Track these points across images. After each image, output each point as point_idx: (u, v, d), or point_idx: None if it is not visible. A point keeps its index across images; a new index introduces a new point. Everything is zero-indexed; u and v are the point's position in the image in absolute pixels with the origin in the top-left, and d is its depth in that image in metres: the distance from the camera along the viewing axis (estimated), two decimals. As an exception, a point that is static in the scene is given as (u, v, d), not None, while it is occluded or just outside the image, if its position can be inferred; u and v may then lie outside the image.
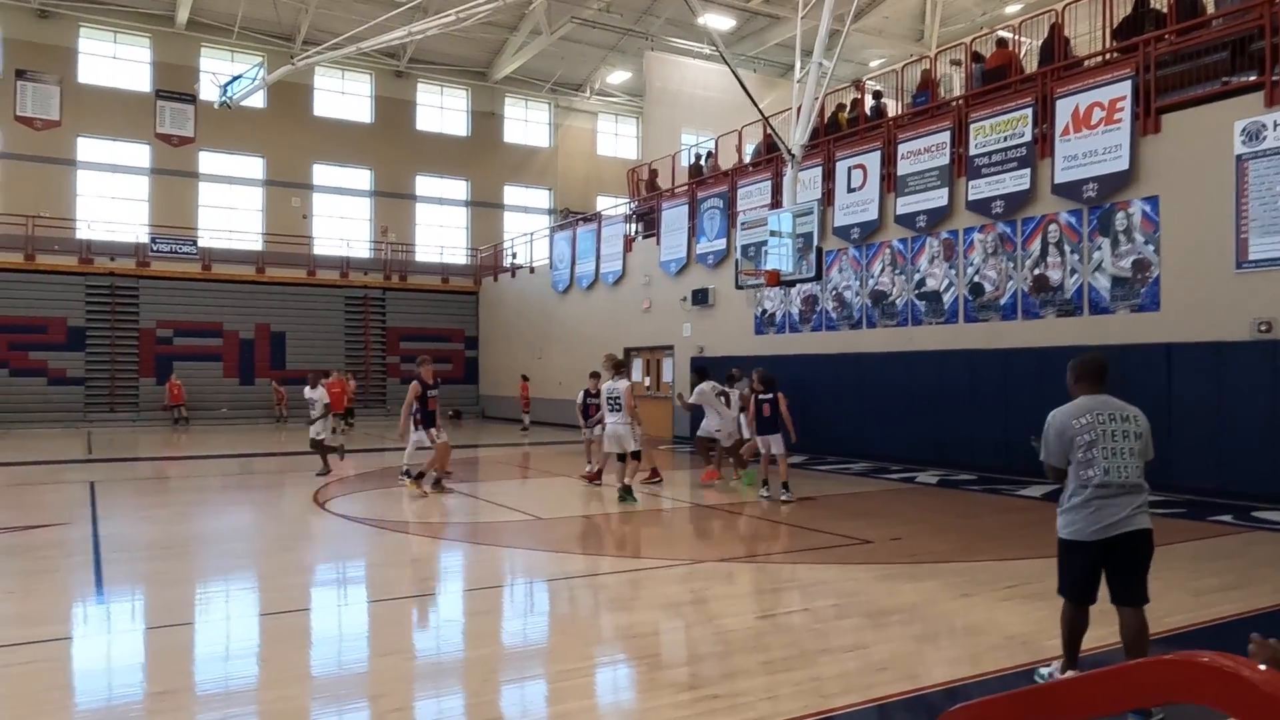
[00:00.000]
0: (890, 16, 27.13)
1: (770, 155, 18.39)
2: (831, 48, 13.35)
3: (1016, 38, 15.51)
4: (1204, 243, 11.34)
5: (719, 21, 26.80)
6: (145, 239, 27.45)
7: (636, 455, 11.12)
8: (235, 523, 10.22)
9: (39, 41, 27.13)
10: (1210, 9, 12.42)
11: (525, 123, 34.94)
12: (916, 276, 15.34)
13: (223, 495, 12.57)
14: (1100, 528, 4.20)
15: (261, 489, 13.45)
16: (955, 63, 17.96)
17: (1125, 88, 12.19)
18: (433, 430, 11.79)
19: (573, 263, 25.24)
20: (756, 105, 13.98)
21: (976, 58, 15.53)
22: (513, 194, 34.70)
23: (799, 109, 13.29)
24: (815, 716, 4.15)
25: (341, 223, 31.58)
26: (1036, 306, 13.44)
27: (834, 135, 17.33)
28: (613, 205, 27.23)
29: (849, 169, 16.57)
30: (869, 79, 19.65)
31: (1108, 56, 13.24)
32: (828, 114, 17.79)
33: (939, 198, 14.84)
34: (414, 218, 32.91)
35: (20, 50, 26.88)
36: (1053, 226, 13.21)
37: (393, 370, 30.42)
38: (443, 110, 33.42)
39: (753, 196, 18.59)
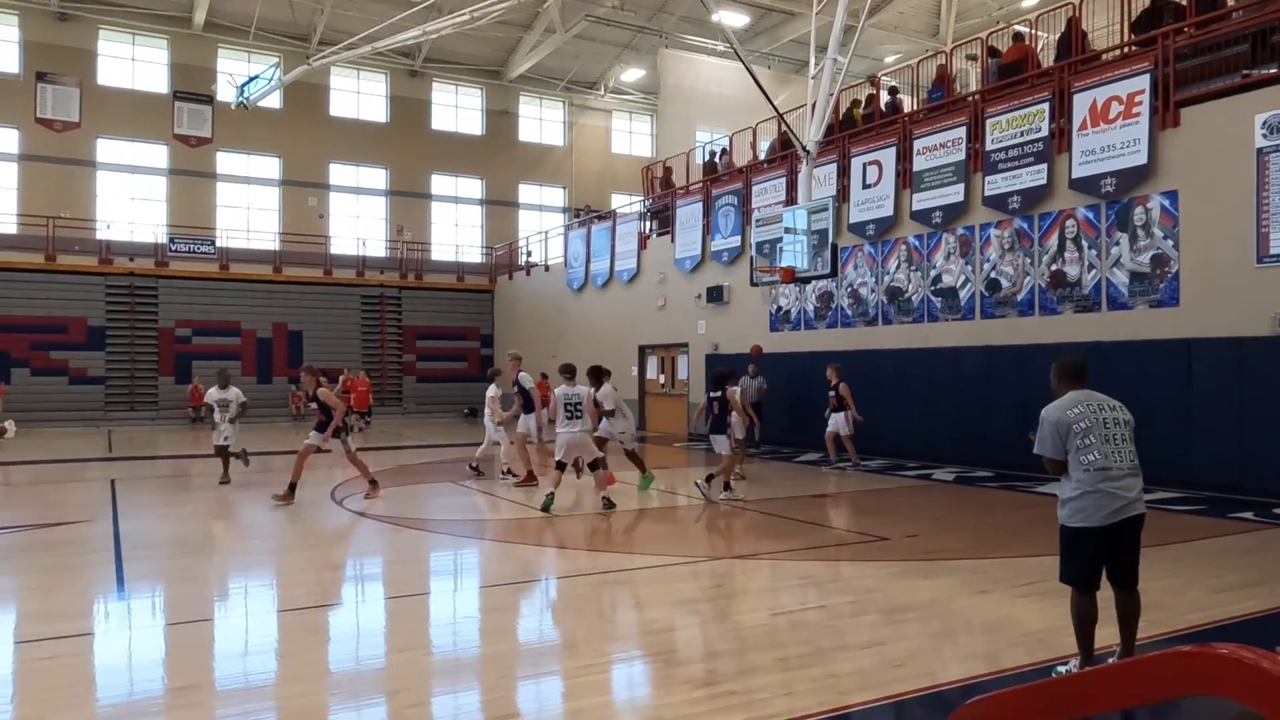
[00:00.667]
0: (905, 12, 26.98)
1: (785, 152, 18.34)
2: (846, 43, 13.30)
3: (1033, 32, 15.39)
4: (1224, 237, 11.23)
5: (733, 18, 26.74)
6: (164, 239, 27.67)
7: (599, 464, 10.50)
8: (253, 520, 10.29)
9: (59, 44, 27.40)
10: (1230, 1, 12.29)
11: (540, 121, 34.98)
12: (932, 273, 15.26)
13: (241, 493, 12.65)
14: (1110, 512, 4.36)
15: (279, 486, 13.51)
16: (971, 58, 17.85)
17: (1144, 81, 12.09)
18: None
19: (587, 261, 25.26)
20: (771, 102, 13.95)
21: (993, 52, 15.43)
22: (527, 192, 34.77)
23: (814, 105, 13.24)
24: (831, 713, 4.15)
25: (357, 222, 31.74)
26: (1054, 302, 13.35)
27: (849, 131, 17.27)
28: (627, 203, 27.23)
29: (864, 165, 16.50)
30: (884, 75, 19.55)
31: (1126, 50, 13.14)
32: (843, 110, 17.73)
33: (955, 193, 14.76)
34: (429, 216, 33.03)
35: (41, 53, 27.15)
36: (1070, 222, 13.12)
37: (409, 369, 30.56)
38: (457, 109, 33.51)
39: (767, 193, 18.54)
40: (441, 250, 32.86)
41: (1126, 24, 13.25)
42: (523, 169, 34.43)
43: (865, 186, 16.45)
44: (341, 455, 11.21)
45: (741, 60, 14.14)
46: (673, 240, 21.69)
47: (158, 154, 28.89)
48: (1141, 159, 12.08)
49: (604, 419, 11.82)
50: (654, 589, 6.83)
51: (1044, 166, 13.36)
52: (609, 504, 10.19)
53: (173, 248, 27.42)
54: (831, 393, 14.42)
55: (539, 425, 12.48)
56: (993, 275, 14.27)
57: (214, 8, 27.77)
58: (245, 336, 28.28)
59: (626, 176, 33.53)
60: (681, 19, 27.82)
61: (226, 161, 29.84)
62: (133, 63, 28.67)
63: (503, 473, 12.97)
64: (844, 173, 16.95)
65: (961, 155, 14.67)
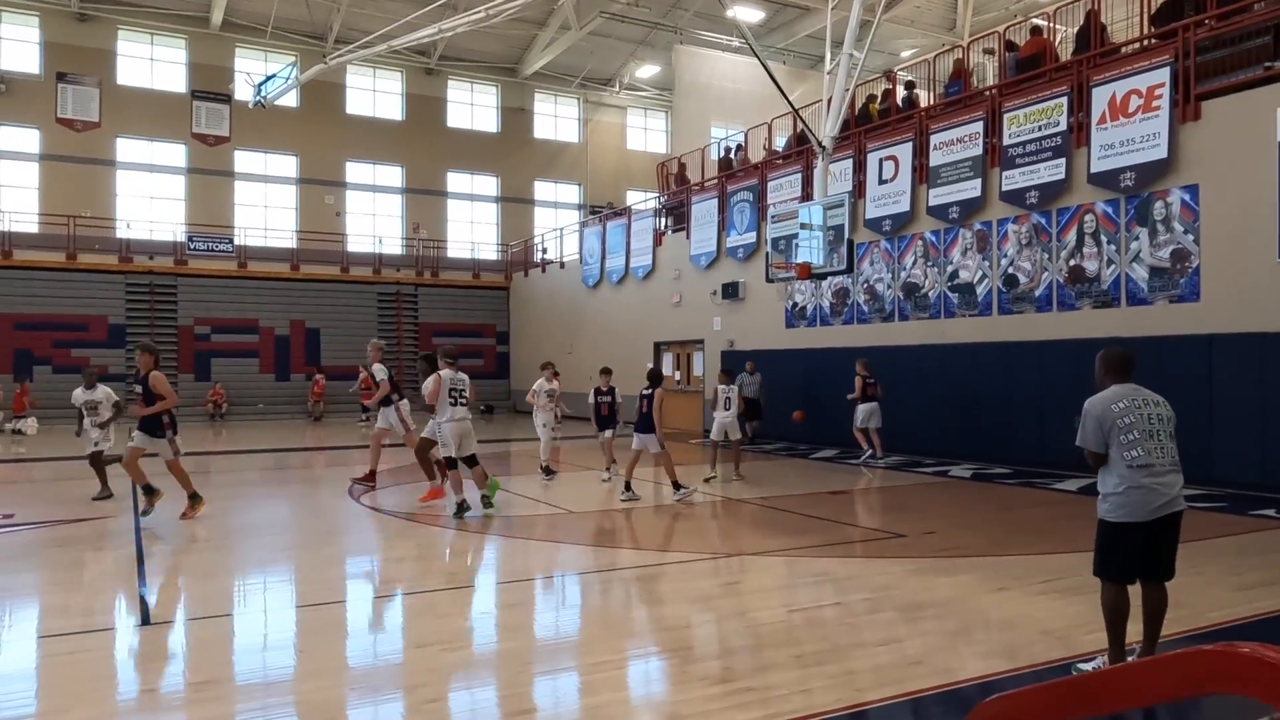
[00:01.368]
0: (922, 6, 26.81)
1: (800, 147, 18.28)
2: (862, 38, 13.24)
3: (1051, 25, 15.28)
4: (1245, 232, 11.11)
5: (748, 14, 26.66)
6: (183, 237, 27.90)
7: (450, 464, 9.62)
8: (272, 516, 10.37)
9: (79, 44, 27.65)
10: (1252, -8, 12.15)
11: (555, 118, 35.01)
12: (949, 268, 15.18)
13: (260, 489, 12.76)
14: (1156, 507, 4.37)
15: (297, 483, 13.63)
16: (988, 52, 17.72)
17: (1164, 74, 11.97)
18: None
19: (603, 257, 25.28)
20: (786, 97, 13.90)
21: (1010, 46, 15.32)
22: (543, 189, 34.81)
23: (829, 100, 13.19)
24: (848, 710, 4.14)
25: (374, 219, 31.89)
26: (1072, 298, 13.25)
27: (865, 127, 17.19)
28: (642, 199, 27.21)
29: (880, 160, 16.43)
30: (900, 69, 19.46)
31: (1146, 43, 13.01)
32: (859, 105, 17.65)
33: (972, 189, 14.67)
34: (445, 214, 33.13)
35: (61, 53, 27.41)
36: (1089, 217, 13.01)
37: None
38: (473, 107, 33.59)
39: (783, 189, 18.49)
40: (457, 248, 32.95)
41: (1146, 16, 13.13)
42: (538, 166, 34.47)
43: (881, 182, 16.38)
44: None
45: (757, 56, 14.11)
46: (688, 237, 21.66)
47: (176, 153, 29.12)
48: (1161, 153, 11.96)
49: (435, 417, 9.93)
50: (670, 585, 6.83)
51: (1062, 161, 13.26)
52: (486, 503, 9.62)
53: (191, 246, 27.64)
54: (872, 380, 14.56)
55: (400, 418, 11.62)
56: (1010, 271, 14.17)
57: (231, 7, 27.94)
58: (263, 334, 28.47)
59: (641, 173, 33.51)
60: (696, 15, 27.77)
61: (244, 160, 30.03)
62: (151, 63, 28.90)
63: (541, 469, 12.99)
64: (860, 168, 16.88)
65: (979, 150, 14.58)
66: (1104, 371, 4.66)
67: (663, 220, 23.69)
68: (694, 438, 19.59)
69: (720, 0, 15.24)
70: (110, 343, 26.50)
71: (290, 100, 27.54)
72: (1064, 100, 13.28)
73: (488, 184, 33.95)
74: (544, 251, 30.28)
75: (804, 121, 14.49)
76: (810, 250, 13.09)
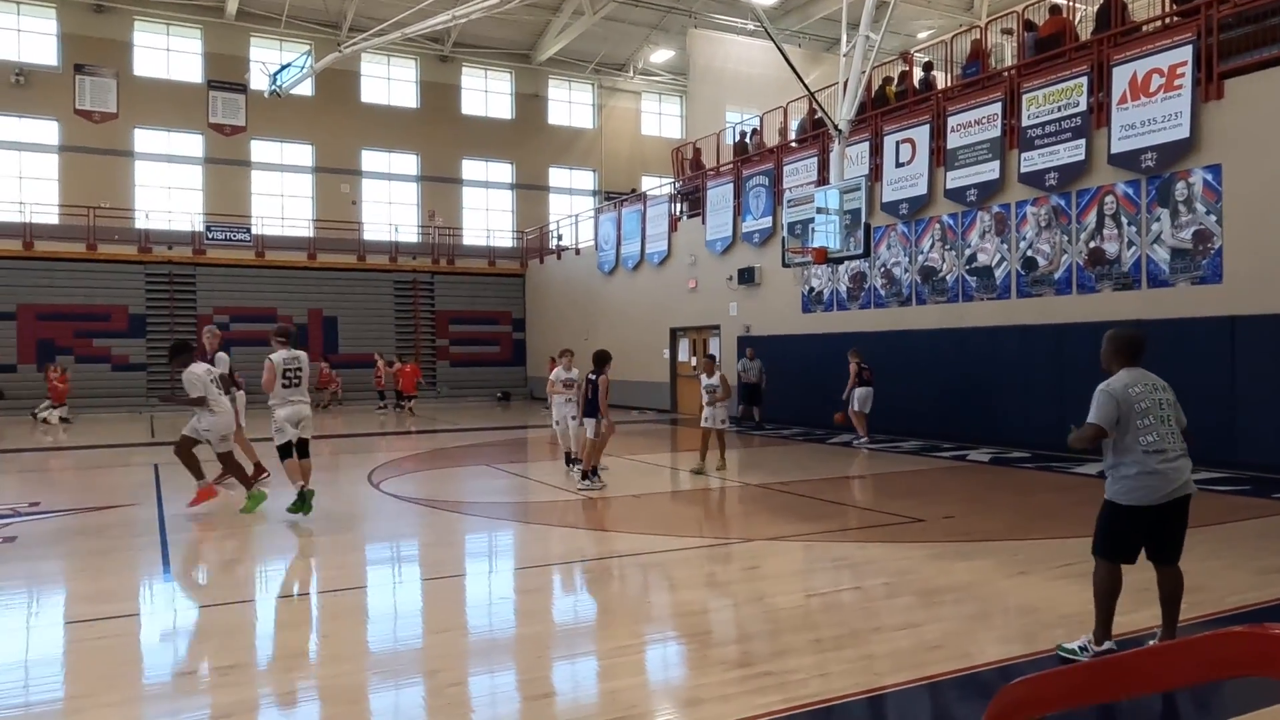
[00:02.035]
0: (939, -14, 26.53)
1: (816, 131, 18.17)
2: (878, 20, 13.12)
3: (1071, 4, 15.07)
4: (1269, 211, 10.96)
5: (763, -4, 26.43)
6: (201, 227, 28.08)
7: (285, 452, 8.93)
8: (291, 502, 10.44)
9: (95, 36, 27.80)
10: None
11: (569, 104, 34.92)
12: (967, 252, 15.07)
13: (280, 476, 12.85)
14: (1168, 492, 4.40)
15: (317, 470, 13.70)
16: (1007, 32, 17.51)
17: (1186, 53, 11.80)
18: None
19: (618, 243, 25.25)
20: (802, 80, 13.80)
21: (1029, 26, 15.13)
22: (558, 176, 34.77)
23: (845, 83, 13.09)
24: (867, 695, 4.14)
25: (389, 208, 31.96)
26: (1092, 280, 13.13)
27: (881, 109, 17.05)
28: (657, 185, 27.14)
29: (897, 143, 16.30)
30: (917, 51, 19.28)
31: (1167, 20, 12.82)
32: (875, 88, 17.50)
33: (990, 171, 14.53)
34: (460, 201, 33.16)
35: (78, 45, 27.57)
36: (1109, 198, 12.87)
37: (442, 353, 30.80)
38: (487, 94, 33.55)
39: (799, 173, 18.39)
40: (473, 235, 33.00)
41: (1168, -6, 12.93)
42: (553, 152, 34.42)
43: (898, 165, 16.25)
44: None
45: (772, 39, 14.00)
46: (703, 222, 21.60)
47: (193, 143, 29.27)
48: (1183, 132, 11.81)
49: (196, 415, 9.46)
50: (687, 571, 6.85)
51: (1082, 142, 13.11)
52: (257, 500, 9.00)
53: (209, 235, 27.82)
54: (866, 366, 14.95)
55: (236, 410, 10.80)
56: (1029, 253, 14.05)
57: (246, -4, 28.00)
58: (281, 322, 28.60)
59: (656, 158, 33.41)
60: (710, -2, 27.59)
61: (260, 149, 30.15)
62: (167, 53, 29.02)
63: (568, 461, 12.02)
64: (876, 151, 16.75)
65: (997, 132, 14.44)
66: (1114, 353, 4.63)
67: (678, 206, 23.62)
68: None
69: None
70: (131, 332, 26.76)
71: (305, 89, 27.62)
72: (1084, 80, 13.12)
73: (503, 171, 33.94)
74: (559, 238, 30.28)
75: (820, 105, 14.39)
76: (826, 235, 13.03)
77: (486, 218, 33.61)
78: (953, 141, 15.16)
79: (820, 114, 15.28)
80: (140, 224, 27.72)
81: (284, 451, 8.91)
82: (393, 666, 4.75)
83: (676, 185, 24.33)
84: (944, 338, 15.22)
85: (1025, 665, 4.49)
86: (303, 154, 30.82)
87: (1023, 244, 14.15)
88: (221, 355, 11.50)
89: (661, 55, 33.20)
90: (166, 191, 28.86)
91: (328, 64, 22.44)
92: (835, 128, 13.05)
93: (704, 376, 12.27)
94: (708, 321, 21.48)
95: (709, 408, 11.96)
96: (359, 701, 4.21)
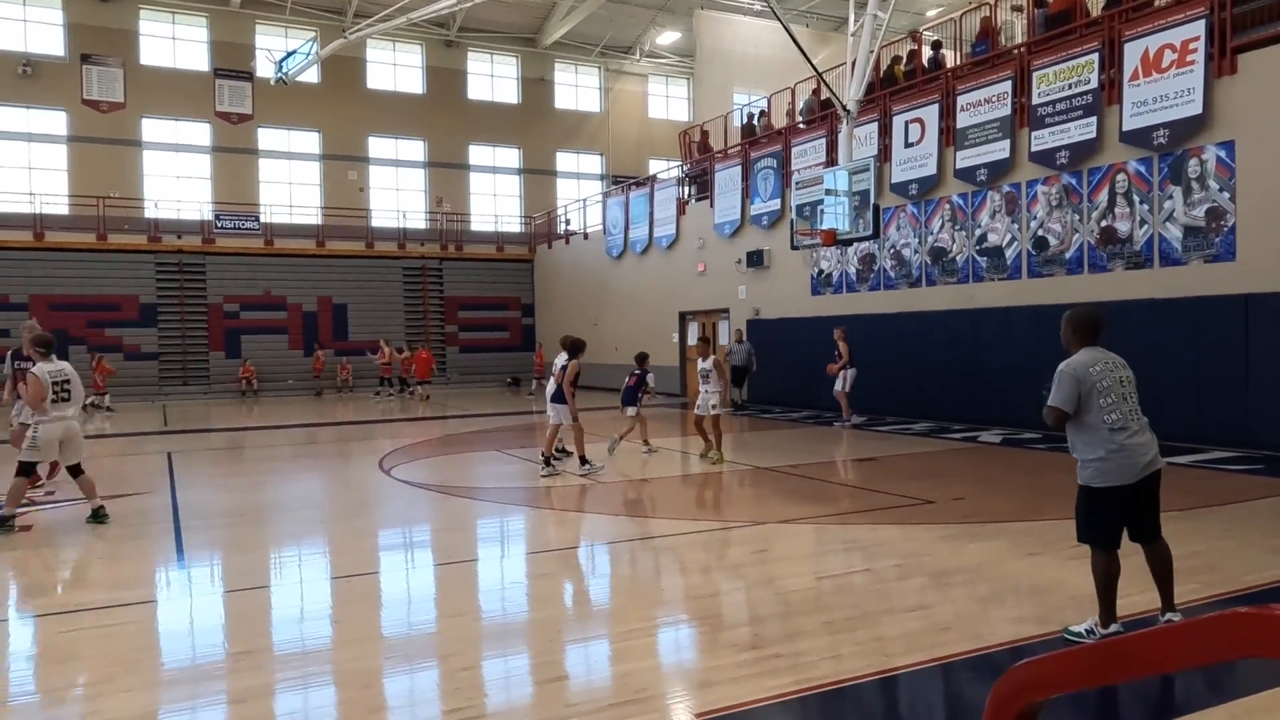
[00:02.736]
0: (948, -37, 26.25)
1: (825, 112, 18.05)
2: (886, -2, 12.98)
3: (1082, -21, 14.88)
4: (1284, 188, 10.85)
5: (770, -24, 26.19)
6: (209, 216, 28.14)
7: (26, 470, 8.09)
8: (305, 490, 10.53)
9: (101, 25, 27.78)
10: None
11: (576, 88, 34.77)
12: (977, 232, 14.98)
13: (292, 464, 12.95)
14: (1138, 469, 4.42)
15: (329, 457, 13.81)
16: (1016, 9, 17.34)
17: (1199, 27, 11.66)
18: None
19: (626, 228, 25.19)
20: (810, 61, 13.70)
21: (1039, 3, 14.96)
22: (565, 160, 34.67)
23: (854, 63, 12.99)
24: (879, 676, 4.16)
25: (397, 194, 31.94)
26: (1104, 260, 13.04)
27: (890, 89, 16.92)
28: (665, 168, 27.04)
29: (906, 123, 16.18)
30: (926, 29, 19.09)
31: (1180, -5, 12.66)
32: (883, 67, 17.37)
33: (1000, 150, 14.42)
34: (468, 187, 33.12)
35: (84, 35, 27.56)
36: (1121, 176, 12.77)
37: (451, 339, 30.86)
38: (493, 78, 33.43)
39: (807, 155, 18.29)
40: (481, 221, 32.97)
41: (1180, -32, 12.76)
42: (560, 137, 34.31)
43: (907, 145, 16.14)
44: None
45: (779, 19, 13.89)
46: (711, 205, 21.53)
47: (201, 132, 29.28)
48: (1196, 109, 11.68)
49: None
50: (698, 554, 6.87)
51: (1093, 120, 12.99)
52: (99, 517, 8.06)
53: (218, 224, 27.87)
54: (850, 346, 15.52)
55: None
56: (1040, 233, 13.96)
57: (251, -16, 27.92)
58: (291, 310, 28.74)
59: (664, 141, 33.28)
60: (717, -21, 27.37)
61: (268, 137, 30.14)
62: (173, 41, 28.99)
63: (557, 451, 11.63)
64: (885, 132, 16.64)
65: (1007, 110, 14.31)
66: (1073, 333, 4.64)
67: (686, 189, 23.54)
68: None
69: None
70: (142, 322, 26.88)
71: (311, 76, 27.56)
72: (1095, 57, 12.99)
73: (510, 156, 33.86)
74: (567, 223, 30.23)
75: (828, 85, 14.29)
76: (835, 216, 12.97)
77: (494, 203, 33.56)
78: (962, 121, 15.04)
79: (828, 94, 15.19)
80: (150, 214, 27.78)
81: (24, 469, 8.00)
82: (406, 651, 4.79)
83: (684, 168, 24.24)
84: (954, 319, 15.15)
85: (1037, 646, 4.49)
86: (310, 141, 30.80)
87: (1033, 224, 14.05)
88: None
89: (668, 37, 33.00)
90: (175, 181, 28.91)
91: (333, 50, 22.37)
92: (843, 108, 12.96)
93: (699, 360, 12.03)
94: (717, 305, 21.44)
95: (702, 393, 11.66)
96: (373, 685, 4.25)
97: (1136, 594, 4.86)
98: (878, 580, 5.87)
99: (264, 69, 24.34)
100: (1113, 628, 4.52)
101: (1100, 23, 13.28)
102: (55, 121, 27.54)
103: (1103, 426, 4.42)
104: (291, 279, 28.68)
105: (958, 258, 15.35)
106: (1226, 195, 11.47)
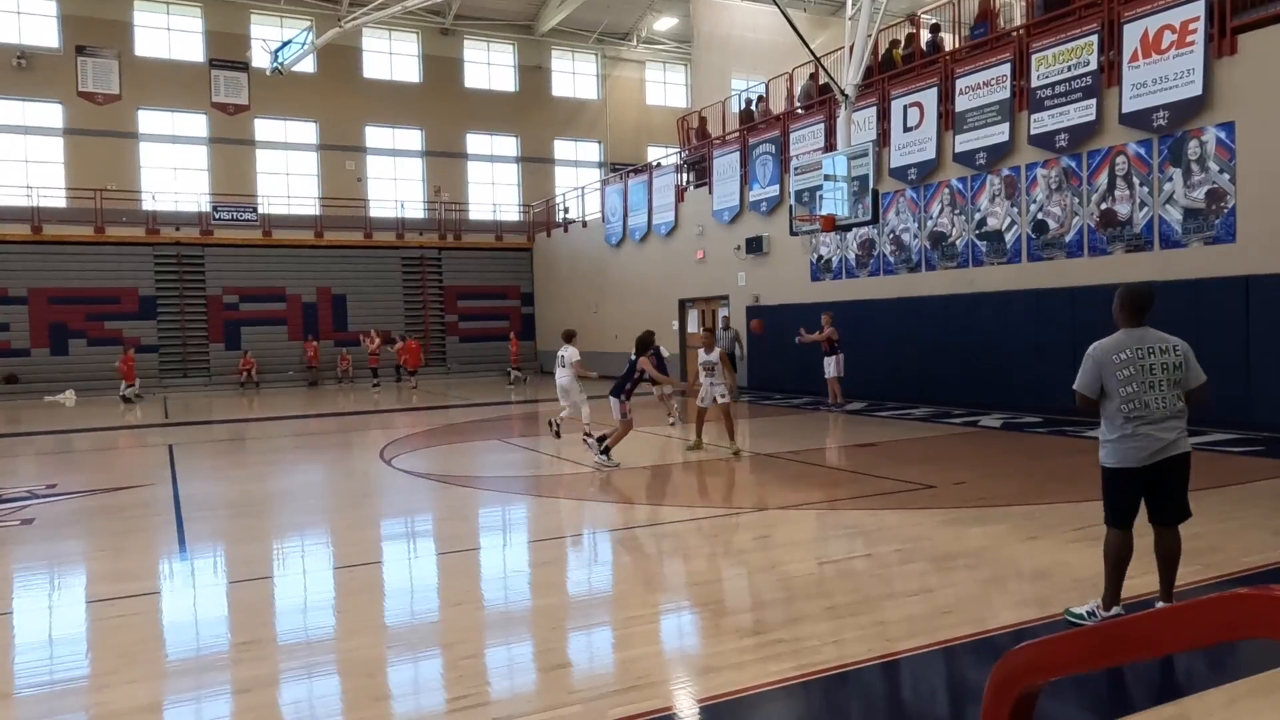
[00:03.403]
0: (946, -55, 26.06)
1: (823, 97, 17.98)
2: (884, -19, 12.91)
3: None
4: (1284, 169, 10.81)
5: (767, -40, 26.06)
6: (207, 208, 28.09)
7: None
8: (307, 480, 10.54)
9: (96, 16, 27.64)
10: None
11: (573, 75, 34.64)
12: (977, 216, 14.95)
13: (294, 454, 12.96)
14: (1151, 453, 4.39)
15: (330, 448, 13.83)
16: (1015, -9, 17.23)
17: (1198, 8, 11.60)
18: None
19: (625, 215, 25.14)
20: (808, 45, 13.65)
21: (1038, -16, 14.89)
22: (563, 148, 34.57)
23: (852, 47, 12.94)
24: (880, 660, 4.17)
25: (395, 184, 31.87)
26: (1104, 242, 13.01)
27: (889, 73, 16.86)
28: (663, 155, 26.97)
29: (905, 108, 16.12)
30: (924, 13, 18.99)
31: (1179, -25, 12.57)
32: (881, 51, 17.30)
33: (1000, 133, 14.38)
34: (466, 176, 33.04)
35: (79, 26, 27.43)
36: (1120, 158, 12.73)
37: (451, 329, 30.85)
38: (490, 66, 33.30)
39: (805, 140, 18.24)
40: (479, 210, 32.91)
41: (1180, -52, 12.67)
42: (557, 125, 34.21)
43: (906, 130, 16.09)
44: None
45: (776, 3, 13.82)
46: (710, 192, 21.48)
47: (197, 123, 29.19)
48: (1196, 90, 11.64)
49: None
50: (699, 540, 6.88)
51: (1093, 102, 12.94)
52: None
53: (216, 216, 27.83)
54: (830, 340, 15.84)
55: None
56: (1039, 216, 13.93)
57: (245, -27, 27.76)
58: (290, 301, 28.72)
59: (662, 128, 33.18)
60: (714, -37, 27.18)
61: (264, 128, 30.05)
62: (168, 32, 28.86)
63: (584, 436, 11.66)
64: (884, 116, 16.58)
65: (1006, 93, 14.26)
66: (1119, 310, 4.59)
67: (684, 175, 23.49)
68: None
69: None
70: (141, 314, 26.88)
71: (307, 66, 27.44)
72: (1094, 38, 12.93)
73: (507, 144, 33.76)
74: (566, 211, 30.17)
75: (826, 70, 14.24)
76: (834, 202, 12.95)
77: (492, 192, 33.49)
78: (961, 104, 14.98)
79: (826, 79, 15.13)
80: (147, 206, 27.73)
81: None
82: (410, 640, 4.81)
83: (682, 155, 24.18)
84: (954, 303, 15.14)
85: (1039, 629, 4.51)
86: (307, 131, 30.70)
87: (1033, 207, 14.02)
88: None
89: (665, 23, 32.85)
90: (172, 173, 28.84)
91: (329, 39, 22.30)
92: (842, 93, 12.92)
93: (702, 352, 11.56)
94: (716, 292, 21.42)
95: (705, 385, 11.26)
96: (377, 674, 4.26)
97: (1138, 576, 4.87)
98: (879, 565, 5.88)
99: (260, 59, 24.27)
100: (1115, 610, 4.53)
101: (1099, 4, 13.21)
102: (51, 114, 27.44)
103: (1119, 413, 4.42)
104: (290, 270, 28.65)
105: (957, 242, 15.32)
106: (1227, 177, 11.44)
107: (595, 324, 26.72)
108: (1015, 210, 14.31)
